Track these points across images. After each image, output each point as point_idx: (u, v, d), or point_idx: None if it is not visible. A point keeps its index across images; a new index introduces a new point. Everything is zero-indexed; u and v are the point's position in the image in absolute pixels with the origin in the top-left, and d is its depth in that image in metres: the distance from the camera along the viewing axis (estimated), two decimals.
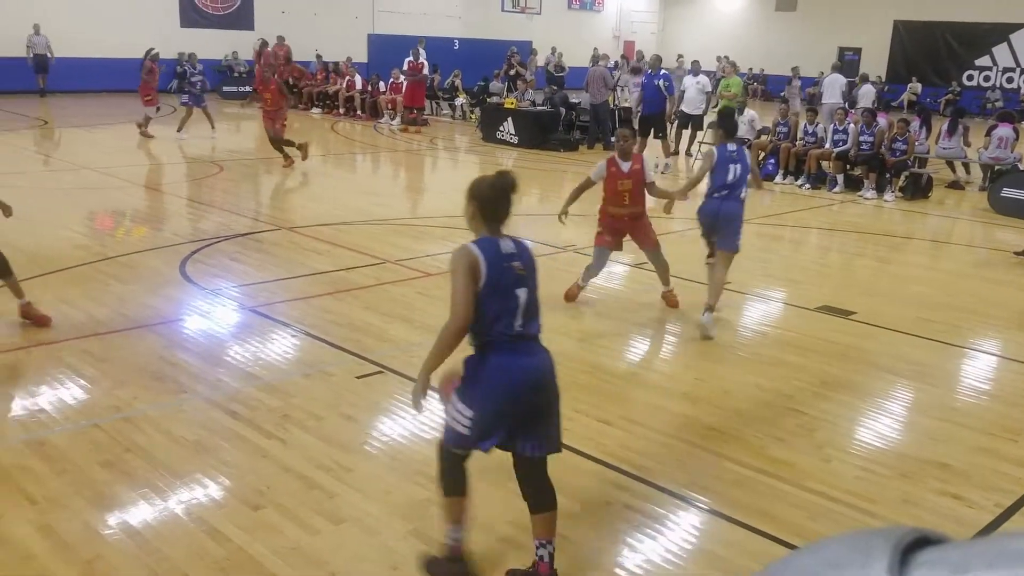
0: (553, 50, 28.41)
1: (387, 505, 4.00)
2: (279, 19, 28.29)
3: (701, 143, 16.81)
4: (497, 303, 3.23)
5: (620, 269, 8.62)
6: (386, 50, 26.95)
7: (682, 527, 3.98)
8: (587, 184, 7.08)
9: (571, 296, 7.26)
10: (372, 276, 7.76)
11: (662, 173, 15.30)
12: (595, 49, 26.33)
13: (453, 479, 3.49)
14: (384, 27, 30.65)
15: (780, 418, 5.21)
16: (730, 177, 6.66)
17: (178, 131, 16.77)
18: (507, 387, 3.27)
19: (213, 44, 27.17)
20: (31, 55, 23.55)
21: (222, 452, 4.46)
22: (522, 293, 3.28)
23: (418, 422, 4.86)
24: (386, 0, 31.36)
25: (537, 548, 3.46)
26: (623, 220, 7.07)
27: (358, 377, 5.52)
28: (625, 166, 6.91)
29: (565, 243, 9.39)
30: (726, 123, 7.00)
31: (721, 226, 6.75)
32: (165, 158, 14.96)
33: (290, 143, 13.64)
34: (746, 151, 7.15)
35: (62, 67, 23.97)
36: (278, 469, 4.30)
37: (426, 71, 21.58)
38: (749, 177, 6.77)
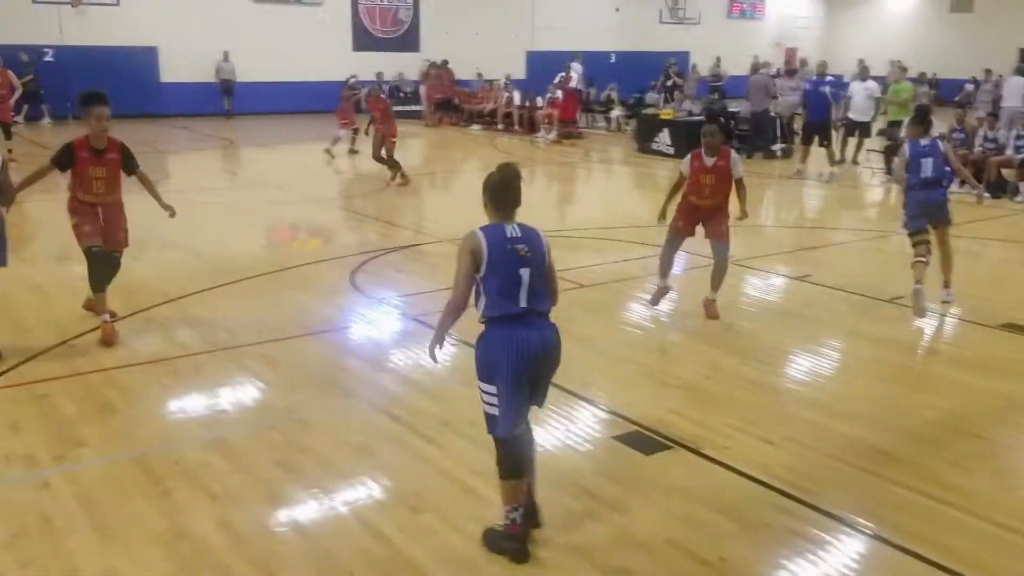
0: (717, 60, 27.96)
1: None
2: (443, 40, 29.16)
3: (870, 151, 16.09)
4: (499, 281, 3.55)
5: (780, 281, 8.37)
6: (544, 66, 27.28)
7: (847, 553, 3.81)
8: (681, 180, 7.13)
9: (711, 314, 7.08)
10: None
11: (827, 182, 14.76)
12: (755, 57, 25.73)
13: (507, 464, 3.73)
14: (542, 44, 31.04)
15: (956, 442, 4.91)
16: (924, 171, 7.08)
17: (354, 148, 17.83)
18: (514, 356, 3.54)
19: (381, 66, 28.32)
20: (219, 80, 25.41)
21: (385, 455, 4.63)
22: (525, 273, 3.57)
23: (572, 434, 4.90)
24: (544, 17, 31.75)
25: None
26: (701, 209, 7.06)
27: None
28: (709, 161, 6.93)
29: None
30: (919, 119, 7.33)
31: (933, 211, 7.16)
32: (337, 175, 15.71)
33: (395, 163, 13.69)
34: (942, 144, 7.40)
35: (246, 91, 25.68)
36: (437, 474, 4.43)
37: (575, 84, 21.66)
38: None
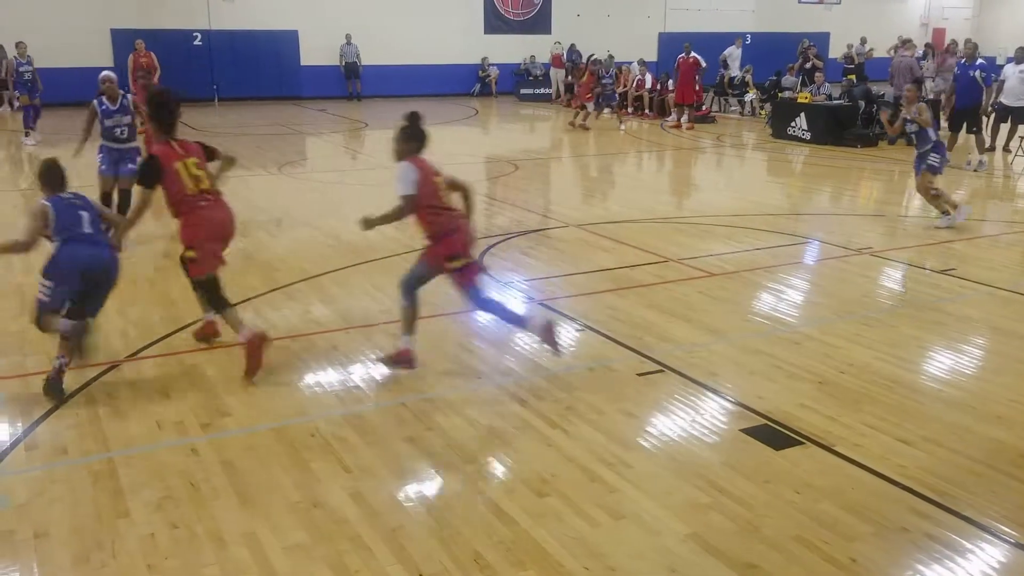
0: (863, 40, 26.82)
1: (666, 505, 4.00)
2: (574, 22, 29.07)
3: (1023, 138, 15.14)
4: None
5: (921, 274, 8.00)
6: (677, 48, 26.91)
7: (990, 564, 3.63)
8: None
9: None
10: (655, 274, 7.79)
11: (975, 171, 13.98)
12: (898, 37, 24.53)
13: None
14: (676, 25, 30.54)
15: None
16: None
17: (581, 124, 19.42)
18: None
19: (512, 49, 28.52)
20: (343, 63, 26.09)
21: (510, 437, 4.70)
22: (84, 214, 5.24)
23: (699, 425, 4.83)
24: None
25: None
26: None
27: (639, 375, 5.57)
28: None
29: (861, 246, 8.87)
30: None
31: None
32: (465, 157, 15.92)
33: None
34: None
35: (371, 74, 26.30)
36: (562, 459, 4.46)
37: (705, 65, 21.14)
38: None
